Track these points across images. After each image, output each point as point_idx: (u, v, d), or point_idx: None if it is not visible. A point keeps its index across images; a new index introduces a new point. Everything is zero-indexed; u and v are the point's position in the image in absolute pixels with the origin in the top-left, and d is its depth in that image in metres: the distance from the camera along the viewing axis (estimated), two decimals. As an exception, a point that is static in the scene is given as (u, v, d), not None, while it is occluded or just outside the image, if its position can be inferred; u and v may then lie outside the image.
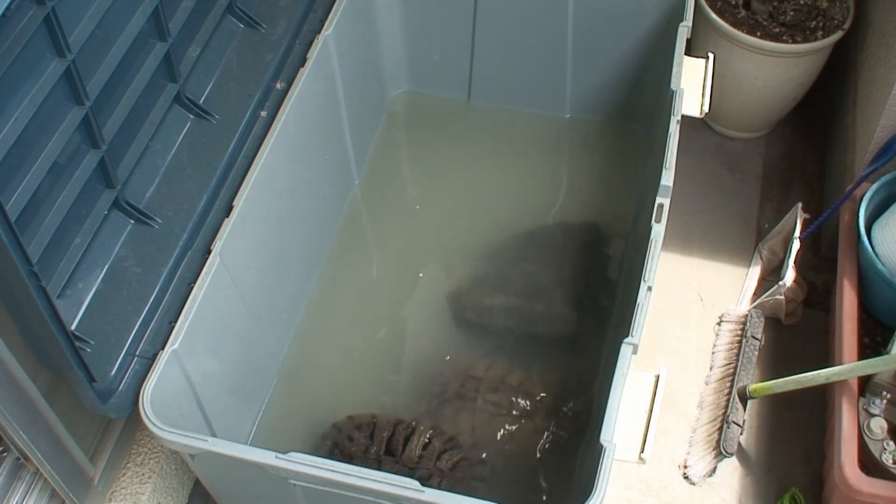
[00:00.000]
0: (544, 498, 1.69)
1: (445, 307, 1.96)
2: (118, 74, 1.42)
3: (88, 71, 1.36)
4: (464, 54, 2.23)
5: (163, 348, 1.42)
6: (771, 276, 2.08)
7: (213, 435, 1.45)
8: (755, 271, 2.10)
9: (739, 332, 1.96)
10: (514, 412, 1.76)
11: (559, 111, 2.28)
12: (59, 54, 1.28)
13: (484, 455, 1.72)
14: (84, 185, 1.38)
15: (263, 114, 1.74)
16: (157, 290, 1.48)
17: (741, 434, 1.83)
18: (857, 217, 1.82)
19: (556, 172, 2.23)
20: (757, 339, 1.93)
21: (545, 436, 1.75)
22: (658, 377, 1.36)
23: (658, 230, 1.50)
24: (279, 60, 1.79)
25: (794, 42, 2.10)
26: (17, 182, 1.24)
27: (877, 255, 1.76)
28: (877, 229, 1.80)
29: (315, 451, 1.67)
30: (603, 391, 1.37)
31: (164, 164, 1.60)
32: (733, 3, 2.19)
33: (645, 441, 1.31)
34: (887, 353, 1.64)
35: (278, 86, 1.78)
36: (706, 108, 1.72)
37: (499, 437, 1.74)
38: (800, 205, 2.02)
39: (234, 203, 1.58)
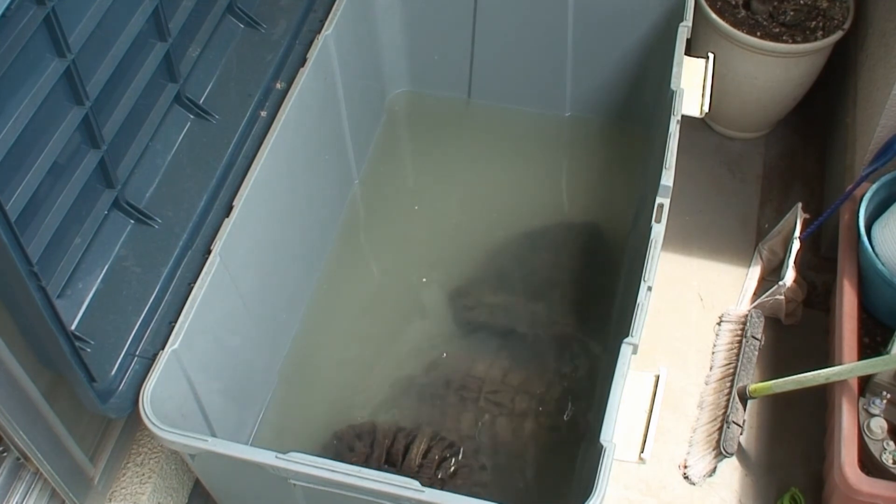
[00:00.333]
0: (544, 498, 1.69)
1: (446, 307, 1.96)
2: (118, 74, 1.42)
3: (88, 71, 1.36)
4: (464, 54, 2.23)
5: (163, 348, 1.42)
6: (771, 276, 2.08)
7: (213, 435, 1.44)
8: (755, 271, 2.10)
9: (739, 332, 1.96)
10: (516, 411, 1.76)
11: (559, 111, 2.28)
12: (59, 54, 1.28)
13: (484, 462, 1.71)
14: (84, 185, 1.38)
15: (263, 114, 1.73)
16: (157, 290, 1.48)
17: (741, 434, 1.83)
18: (857, 217, 1.82)
19: (555, 172, 2.23)
20: (757, 339, 1.93)
21: (547, 434, 1.75)
22: (658, 377, 1.36)
23: (658, 230, 1.50)
24: (279, 60, 1.79)
25: (794, 42, 2.10)
26: (17, 182, 1.24)
27: (877, 255, 1.76)
28: (877, 229, 1.80)
29: (315, 452, 1.67)
30: (603, 391, 1.37)
31: (164, 164, 1.60)
32: (733, 3, 2.19)
33: (645, 441, 1.31)
34: (887, 353, 1.64)
35: (278, 86, 1.78)
36: (706, 108, 1.72)
37: (501, 436, 1.74)
38: (800, 205, 2.02)
39: (234, 203, 1.58)
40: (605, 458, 1.26)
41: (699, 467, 1.82)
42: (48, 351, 1.29)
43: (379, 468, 1.63)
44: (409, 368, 1.88)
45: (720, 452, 1.81)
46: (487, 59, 2.22)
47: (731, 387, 1.88)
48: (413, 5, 2.16)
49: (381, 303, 2.00)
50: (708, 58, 1.80)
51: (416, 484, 1.24)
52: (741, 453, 1.85)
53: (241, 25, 1.80)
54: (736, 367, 1.90)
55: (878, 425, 1.63)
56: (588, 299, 1.96)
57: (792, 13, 2.16)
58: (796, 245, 1.96)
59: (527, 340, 1.90)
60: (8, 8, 1.12)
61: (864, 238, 1.79)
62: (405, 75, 2.32)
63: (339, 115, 2.00)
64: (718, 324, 2.02)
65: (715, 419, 1.86)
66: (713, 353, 1.97)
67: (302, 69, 1.79)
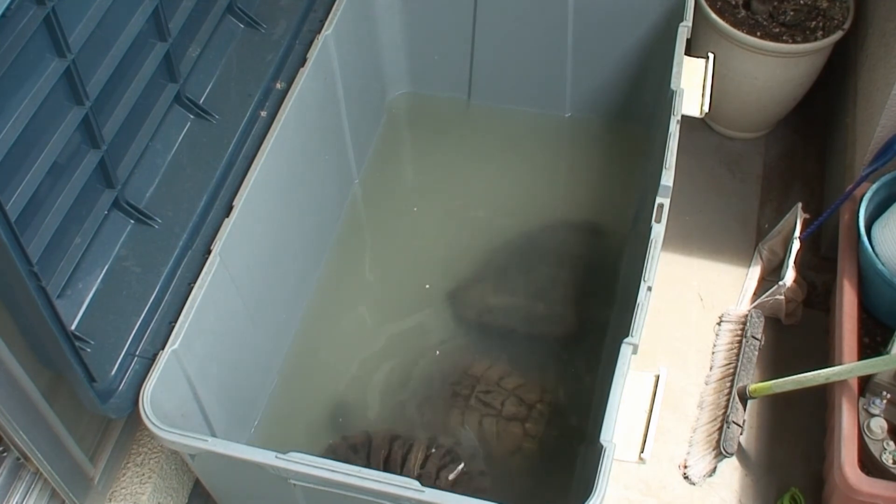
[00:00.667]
0: (544, 498, 1.69)
1: (445, 306, 1.96)
2: (118, 74, 1.42)
3: (88, 71, 1.36)
4: (464, 54, 2.23)
5: (163, 348, 1.42)
6: (771, 276, 2.08)
7: (213, 435, 1.45)
8: (755, 271, 2.10)
9: (739, 332, 1.96)
10: (504, 414, 1.76)
11: (559, 111, 2.28)
12: (59, 54, 1.28)
13: (483, 468, 1.71)
14: (84, 185, 1.38)
15: (263, 114, 1.73)
16: (157, 290, 1.48)
17: (741, 434, 1.83)
18: (857, 217, 1.82)
19: (555, 172, 2.23)
20: (757, 339, 1.93)
21: (532, 441, 1.74)
22: (658, 377, 1.36)
23: (658, 230, 1.50)
24: (279, 60, 1.79)
25: (794, 42, 2.10)
26: (17, 182, 1.24)
27: (877, 255, 1.76)
28: (877, 229, 1.80)
29: (315, 452, 1.67)
30: (603, 391, 1.37)
31: (164, 164, 1.60)
32: (733, 3, 2.19)
33: (645, 441, 1.31)
34: (887, 353, 1.64)
35: (278, 86, 1.78)
36: (706, 108, 1.72)
37: (485, 436, 1.74)
38: (800, 205, 2.02)
39: (234, 203, 1.58)
40: (605, 458, 1.26)
41: (699, 467, 1.82)
42: (48, 351, 1.29)
43: None
44: (409, 368, 1.88)
45: (720, 452, 1.81)
46: (487, 59, 2.22)
47: (731, 387, 1.88)
48: (413, 5, 2.16)
49: (381, 303, 2.00)
50: (708, 58, 1.80)
51: (415, 484, 1.24)
52: (741, 453, 1.85)
53: (241, 25, 1.81)
54: (736, 367, 1.90)
55: (878, 425, 1.63)
56: (588, 299, 1.96)
57: (792, 13, 2.16)
58: (796, 245, 1.96)
59: (526, 341, 1.90)
60: (8, 8, 1.12)
61: (864, 238, 1.79)
62: (405, 76, 2.31)
63: (339, 116, 2.00)
64: (718, 324, 2.02)
65: (715, 419, 1.86)
66: (713, 353, 1.97)
67: (302, 69, 1.79)
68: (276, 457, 1.27)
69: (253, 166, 1.63)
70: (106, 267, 1.47)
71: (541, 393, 1.79)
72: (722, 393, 1.89)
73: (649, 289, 1.43)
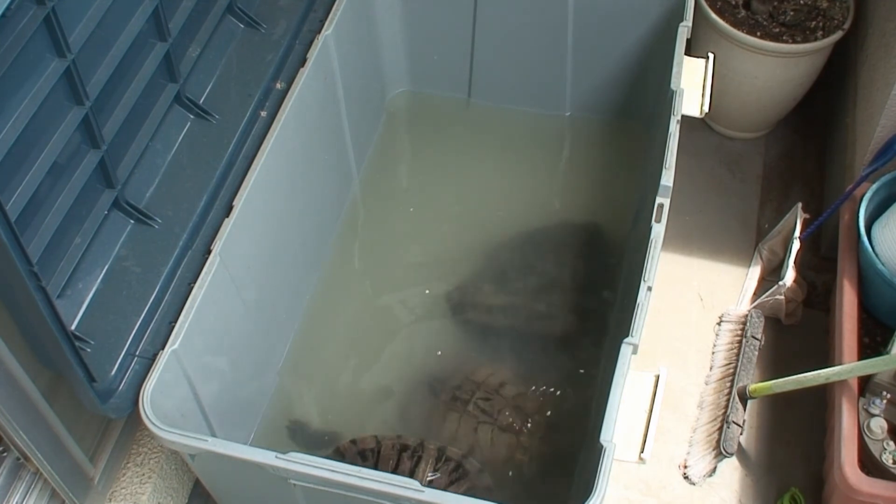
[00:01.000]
0: (544, 498, 1.69)
1: (445, 306, 1.96)
2: (118, 74, 1.42)
3: (88, 71, 1.35)
4: (464, 54, 2.23)
5: (163, 348, 1.42)
6: (771, 276, 2.08)
7: (213, 435, 1.45)
8: (755, 271, 2.10)
9: (739, 332, 1.96)
10: (500, 424, 1.75)
11: (559, 111, 2.28)
12: (59, 54, 1.28)
13: (489, 482, 1.69)
14: (84, 185, 1.38)
15: (263, 114, 1.73)
16: (157, 290, 1.48)
17: (741, 434, 1.83)
18: (857, 217, 1.82)
19: (555, 172, 2.23)
20: (757, 339, 1.93)
21: (525, 453, 1.73)
22: (658, 377, 1.36)
23: (658, 230, 1.50)
24: (279, 60, 1.79)
25: (794, 42, 2.10)
26: (17, 182, 1.24)
27: (877, 255, 1.76)
28: (877, 229, 1.80)
29: (316, 452, 1.67)
30: (603, 391, 1.37)
31: (164, 164, 1.60)
32: (733, 3, 2.19)
33: (645, 441, 1.31)
34: (887, 353, 1.64)
35: (278, 86, 1.78)
36: (706, 108, 1.72)
37: (479, 443, 1.73)
38: (800, 205, 2.02)
39: (234, 203, 1.58)
40: (605, 458, 1.26)
41: (699, 467, 1.82)
42: (48, 351, 1.29)
43: None
44: (409, 367, 1.88)
45: (720, 452, 1.81)
46: (487, 59, 2.21)
47: (731, 387, 1.88)
48: (413, 5, 2.16)
49: (381, 302, 2.00)
50: (708, 58, 1.80)
51: (416, 484, 1.24)
52: (741, 453, 1.85)
53: (241, 25, 1.80)
54: (736, 367, 1.90)
55: (878, 425, 1.63)
56: (588, 299, 1.96)
57: (792, 13, 2.16)
58: (796, 245, 1.96)
59: (526, 341, 1.90)
60: (8, 8, 1.12)
61: (864, 238, 1.79)
62: (405, 75, 2.31)
63: (339, 115, 2.00)
64: (718, 324, 2.02)
65: (715, 419, 1.86)
66: (713, 353, 1.97)
67: (302, 69, 1.79)
68: (276, 457, 1.27)
69: (253, 166, 1.63)
70: (106, 267, 1.47)
71: (539, 404, 1.79)
72: (722, 393, 1.89)
73: (649, 289, 1.43)
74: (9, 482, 1.45)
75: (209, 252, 1.53)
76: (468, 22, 2.16)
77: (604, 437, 1.29)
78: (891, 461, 1.60)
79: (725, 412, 1.84)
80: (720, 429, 1.84)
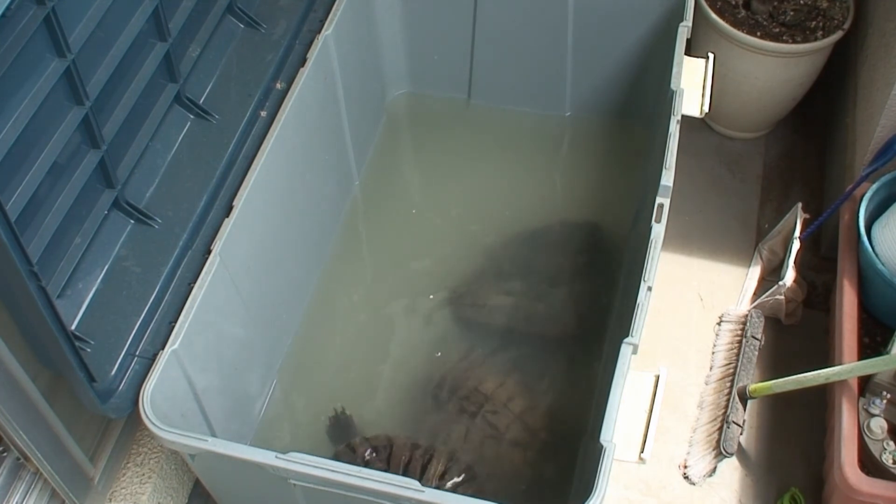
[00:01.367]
0: (544, 498, 1.69)
1: (445, 307, 1.96)
2: (118, 74, 1.42)
3: (88, 71, 1.36)
4: (464, 54, 2.23)
5: (163, 348, 1.42)
6: (771, 276, 2.08)
7: (213, 435, 1.45)
8: (755, 271, 2.10)
9: (739, 332, 1.96)
10: (507, 439, 1.74)
11: (559, 111, 2.28)
12: (59, 54, 1.28)
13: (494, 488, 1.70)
14: (84, 185, 1.38)
15: (263, 114, 1.74)
16: (157, 290, 1.48)
17: (741, 434, 1.83)
18: (857, 217, 1.82)
19: (555, 172, 2.23)
20: (757, 339, 1.93)
21: (530, 468, 1.72)
22: (658, 377, 1.36)
23: (658, 230, 1.50)
24: (279, 60, 1.79)
25: (794, 42, 2.10)
26: (17, 182, 1.24)
27: (877, 255, 1.76)
28: (877, 229, 1.80)
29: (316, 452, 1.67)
30: (603, 391, 1.37)
31: (164, 164, 1.60)
32: (733, 3, 2.19)
33: (645, 441, 1.31)
34: (887, 353, 1.64)
35: (278, 86, 1.78)
36: (706, 108, 1.72)
37: (483, 455, 1.72)
38: (800, 205, 2.02)
39: (234, 203, 1.58)
40: (605, 458, 1.26)
41: (699, 467, 1.82)
42: (48, 351, 1.29)
43: None
44: (409, 368, 1.88)
45: (720, 452, 1.81)
46: (487, 59, 2.22)
47: (731, 387, 1.88)
48: (413, 5, 2.16)
49: (381, 302, 2.00)
50: (708, 58, 1.80)
51: (416, 484, 1.24)
52: (741, 453, 1.85)
53: (241, 25, 1.81)
54: (736, 367, 1.90)
55: (878, 425, 1.63)
56: (588, 299, 1.96)
57: (792, 13, 2.16)
58: (796, 245, 1.96)
59: (526, 341, 1.90)
60: (8, 8, 1.12)
61: (864, 238, 1.79)
62: (405, 76, 2.31)
63: (339, 116, 2.00)
64: (718, 324, 2.02)
65: (715, 419, 1.86)
66: (713, 353, 1.97)
67: (302, 69, 1.79)
68: (276, 457, 1.27)
69: (253, 166, 1.63)
70: (106, 267, 1.47)
71: (547, 421, 1.78)
72: (722, 393, 1.89)
73: (649, 289, 1.43)
74: (9, 482, 1.45)
75: (209, 252, 1.53)
76: (468, 22, 2.16)
77: (604, 437, 1.29)
78: (891, 461, 1.60)
79: (725, 412, 1.84)
80: (720, 429, 1.84)
